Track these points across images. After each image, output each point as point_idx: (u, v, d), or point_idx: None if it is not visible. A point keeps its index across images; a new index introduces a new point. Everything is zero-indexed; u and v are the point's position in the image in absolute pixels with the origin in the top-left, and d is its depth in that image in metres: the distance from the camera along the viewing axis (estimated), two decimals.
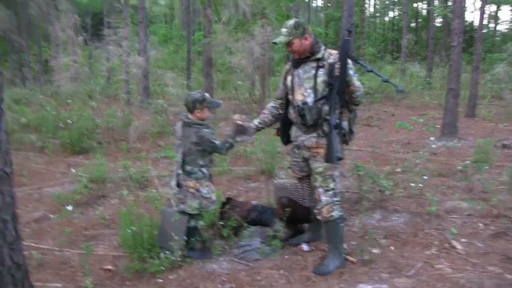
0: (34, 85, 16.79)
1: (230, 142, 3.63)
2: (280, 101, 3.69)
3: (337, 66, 3.26)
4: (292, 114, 3.48)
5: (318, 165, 3.39)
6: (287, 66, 3.60)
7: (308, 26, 3.45)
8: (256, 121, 3.73)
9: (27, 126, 9.16)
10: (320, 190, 3.40)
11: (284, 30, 3.33)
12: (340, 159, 3.26)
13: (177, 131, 3.68)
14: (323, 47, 3.40)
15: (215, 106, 3.77)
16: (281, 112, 3.70)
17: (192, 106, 3.55)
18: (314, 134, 3.40)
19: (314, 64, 3.36)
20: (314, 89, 3.32)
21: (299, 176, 3.72)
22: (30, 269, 2.88)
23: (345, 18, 3.30)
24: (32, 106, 11.19)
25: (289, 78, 3.50)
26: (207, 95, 3.67)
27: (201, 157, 3.60)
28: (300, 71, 3.41)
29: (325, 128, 3.32)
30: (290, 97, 3.50)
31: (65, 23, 9.57)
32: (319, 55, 3.35)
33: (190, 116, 3.60)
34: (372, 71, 3.27)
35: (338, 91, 3.21)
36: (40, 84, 17.07)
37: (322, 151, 3.35)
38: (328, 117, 3.28)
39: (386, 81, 3.28)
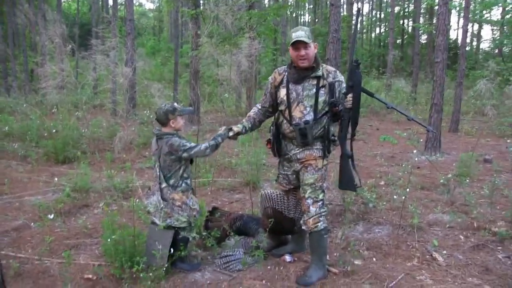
0: (19, 94, 16.63)
1: (215, 141, 3.54)
2: (265, 108, 3.68)
3: (337, 85, 3.31)
4: (289, 130, 3.45)
5: (310, 176, 3.41)
6: (276, 76, 3.54)
7: None
8: (240, 126, 3.65)
9: (10, 135, 9.06)
10: (309, 201, 3.41)
11: (302, 32, 3.27)
12: (358, 186, 3.40)
13: (152, 146, 3.65)
14: (320, 62, 3.41)
15: (187, 113, 3.75)
16: (263, 119, 3.72)
17: (165, 118, 3.51)
18: (308, 147, 3.42)
19: (314, 82, 3.35)
20: (315, 108, 3.33)
21: (286, 189, 3.73)
22: (7, 278, 2.84)
23: (349, 54, 3.30)
24: (16, 115, 11.08)
25: (283, 91, 3.45)
26: (176, 104, 3.64)
27: (182, 168, 3.55)
28: (299, 87, 3.38)
29: (319, 144, 3.40)
30: (284, 111, 3.46)
31: (52, 32, 9.50)
32: (319, 72, 3.35)
33: (164, 129, 3.57)
34: (393, 108, 3.30)
35: (353, 123, 3.24)
36: (25, 93, 16.92)
37: (313, 162, 3.39)
38: (333, 137, 3.40)
39: (411, 119, 3.24)
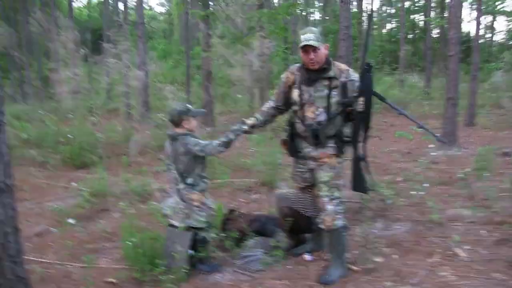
0: (35, 101, 16.85)
1: (226, 138, 3.51)
2: (279, 105, 3.65)
3: (349, 84, 3.26)
4: (302, 129, 3.44)
5: (324, 174, 3.39)
6: (289, 75, 3.51)
7: None
8: (252, 119, 3.64)
9: (28, 141, 9.16)
10: (326, 199, 3.40)
11: (311, 35, 3.20)
12: (370, 190, 3.43)
13: (166, 148, 3.66)
14: (332, 62, 3.36)
15: (199, 114, 3.83)
16: (277, 115, 3.72)
17: (178, 119, 3.55)
18: (322, 146, 3.40)
19: (326, 83, 3.31)
20: (328, 109, 3.30)
21: (302, 186, 3.72)
22: (32, 283, 2.87)
23: (361, 57, 3.26)
24: (33, 122, 11.21)
25: (295, 92, 3.43)
26: (189, 105, 3.68)
27: (199, 166, 3.58)
28: (311, 88, 3.35)
29: (333, 143, 3.38)
30: (297, 112, 3.45)
31: (65, 39, 9.62)
32: (331, 73, 3.30)
33: (177, 130, 3.59)
34: (403, 114, 3.26)
35: (365, 127, 3.23)
36: (40, 100, 17.13)
37: (328, 160, 3.38)
38: (346, 138, 3.37)
39: (421, 127, 3.25)
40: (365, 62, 3.11)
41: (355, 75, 3.31)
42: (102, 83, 11.76)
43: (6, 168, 2.43)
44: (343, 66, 3.39)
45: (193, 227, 3.55)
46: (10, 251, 2.45)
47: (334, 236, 3.45)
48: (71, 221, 4.64)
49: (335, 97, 3.29)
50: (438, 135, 3.29)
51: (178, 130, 3.58)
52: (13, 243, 2.47)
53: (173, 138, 3.57)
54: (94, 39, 22.26)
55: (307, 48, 3.21)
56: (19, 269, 2.52)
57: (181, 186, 3.54)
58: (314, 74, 3.33)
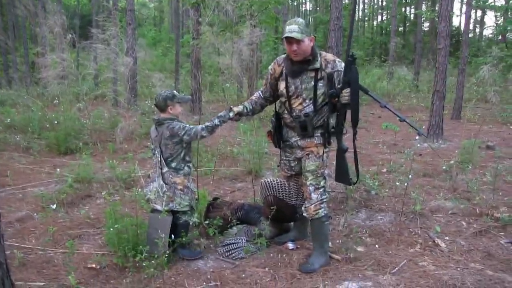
0: (21, 86, 16.62)
1: (211, 123, 3.61)
2: (266, 97, 3.66)
3: (335, 75, 3.23)
4: (289, 120, 3.44)
5: (311, 163, 3.40)
6: (276, 67, 3.49)
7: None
8: (240, 107, 3.63)
9: (12, 127, 9.07)
10: (311, 188, 3.41)
11: (295, 26, 3.17)
12: (353, 183, 3.42)
13: (151, 133, 3.71)
14: (318, 53, 3.33)
15: (184, 101, 3.86)
16: (265, 104, 3.73)
17: (164, 104, 3.58)
18: (309, 136, 3.41)
19: (312, 74, 3.28)
20: (314, 100, 3.30)
21: (288, 175, 3.72)
22: (12, 268, 2.85)
23: (347, 48, 3.19)
24: (18, 107, 11.08)
25: (282, 83, 3.42)
26: (175, 91, 3.71)
27: (183, 151, 3.62)
28: (297, 80, 3.33)
29: (320, 133, 3.38)
30: (285, 103, 3.45)
31: (52, 23, 9.47)
32: (317, 64, 3.27)
33: (162, 115, 3.63)
34: (387, 107, 3.12)
35: (353, 120, 3.19)
36: (26, 85, 16.90)
37: (315, 149, 3.39)
38: (333, 129, 3.36)
39: (403, 120, 3.17)
40: (349, 53, 3.08)
41: (342, 65, 3.25)
42: (89, 69, 11.59)
43: None
44: (330, 57, 3.36)
45: (175, 211, 3.57)
46: None
47: (317, 225, 3.48)
48: (54, 207, 4.59)
49: (321, 88, 3.28)
50: (419, 129, 3.26)
51: (164, 115, 3.62)
52: None
53: (159, 123, 3.60)
54: (82, 25, 21.97)
55: (290, 40, 3.19)
56: None
57: (165, 169, 3.57)
58: (298, 66, 3.31)
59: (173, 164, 3.57)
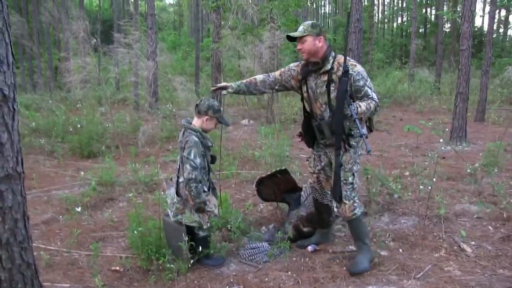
0: (45, 90, 16.96)
1: (200, 203, 3.36)
2: (274, 81, 3.56)
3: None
4: (314, 125, 3.47)
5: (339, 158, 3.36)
6: (299, 69, 3.47)
7: (325, 31, 3.38)
8: (234, 84, 3.56)
9: (36, 130, 9.25)
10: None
11: (300, 27, 3.28)
12: (340, 198, 3.31)
13: (179, 136, 3.55)
14: (332, 56, 3.29)
15: (223, 123, 3.59)
16: (264, 91, 3.63)
17: (204, 110, 3.40)
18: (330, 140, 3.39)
19: (325, 78, 3.27)
20: (329, 104, 3.27)
21: (313, 171, 3.66)
22: (39, 269, 2.90)
23: (343, 62, 3.13)
24: (42, 112, 11.30)
25: (303, 88, 3.43)
26: (222, 109, 3.56)
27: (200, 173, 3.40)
28: (312, 84, 3.35)
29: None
30: (308, 107, 3.47)
31: (76, 29, 9.65)
32: (328, 66, 3.25)
33: (195, 120, 3.47)
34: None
35: (336, 132, 3.16)
36: (50, 89, 17.25)
37: (342, 145, 3.30)
38: (350, 132, 3.29)
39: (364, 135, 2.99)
40: (345, 65, 3.06)
41: (355, 69, 3.19)
42: (111, 73, 11.76)
43: (16, 155, 2.45)
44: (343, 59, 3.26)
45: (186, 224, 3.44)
46: (19, 237, 2.47)
47: (355, 224, 3.45)
48: (78, 209, 4.67)
49: (334, 92, 3.22)
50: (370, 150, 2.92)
51: (195, 122, 3.46)
52: (22, 229, 2.50)
53: (185, 129, 3.45)
54: (104, 30, 22.29)
55: (297, 40, 3.28)
56: (28, 255, 2.55)
57: (181, 179, 3.41)
58: (309, 67, 3.34)
59: None
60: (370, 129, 3.47)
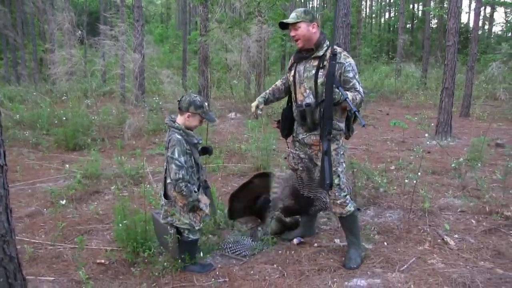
0: (29, 82, 16.72)
1: (194, 201, 3.22)
2: (284, 86, 3.60)
3: (337, 67, 3.14)
4: (294, 111, 3.44)
5: (319, 161, 3.35)
6: (292, 57, 3.50)
7: (317, 19, 3.35)
8: (261, 98, 3.55)
9: (21, 123, 9.13)
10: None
11: (293, 14, 3.25)
12: (331, 185, 3.20)
13: (166, 136, 3.40)
14: (326, 44, 3.27)
15: (209, 119, 3.41)
16: (280, 97, 3.66)
17: (186, 106, 3.21)
18: (315, 132, 3.33)
19: (315, 63, 3.24)
20: (315, 90, 3.22)
21: (295, 168, 3.67)
22: (22, 262, 2.88)
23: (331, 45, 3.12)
24: (26, 104, 11.14)
25: (291, 72, 3.41)
26: (206, 104, 3.34)
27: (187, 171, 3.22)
28: (301, 67, 3.31)
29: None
30: (292, 93, 3.45)
31: (61, 20, 9.51)
32: (320, 52, 3.24)
33: (178, 117, 3.29)
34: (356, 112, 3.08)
35: (325, 118, 3.13)
36: (35, 81, 17.01)
37: (320, 147, 3.31)
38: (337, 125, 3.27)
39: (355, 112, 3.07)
40: (332, 48, 3.09)
41: (346, 60, 3.19)
42: (97, 66, 11.64)
43: None
44: (338, 49, 3.25)
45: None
46: (1, 230, 2.43)
47: (349, 220, 3.46)
48: (63, 202, 4.62)
49: (321, 77, 3.19)
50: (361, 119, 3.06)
51: (178, 119, 3.28)
52: (5, 222, 2.46)
53: (168, 127, 3.30)
54: (90, 22, 22.03)
55: (290, 27, 3.26)
56: (10, 248, 2.51)
57: (168, 180, 3.22)
58: (303, 53, 3.33)
59: None
60: (349, 129, 3.46)
